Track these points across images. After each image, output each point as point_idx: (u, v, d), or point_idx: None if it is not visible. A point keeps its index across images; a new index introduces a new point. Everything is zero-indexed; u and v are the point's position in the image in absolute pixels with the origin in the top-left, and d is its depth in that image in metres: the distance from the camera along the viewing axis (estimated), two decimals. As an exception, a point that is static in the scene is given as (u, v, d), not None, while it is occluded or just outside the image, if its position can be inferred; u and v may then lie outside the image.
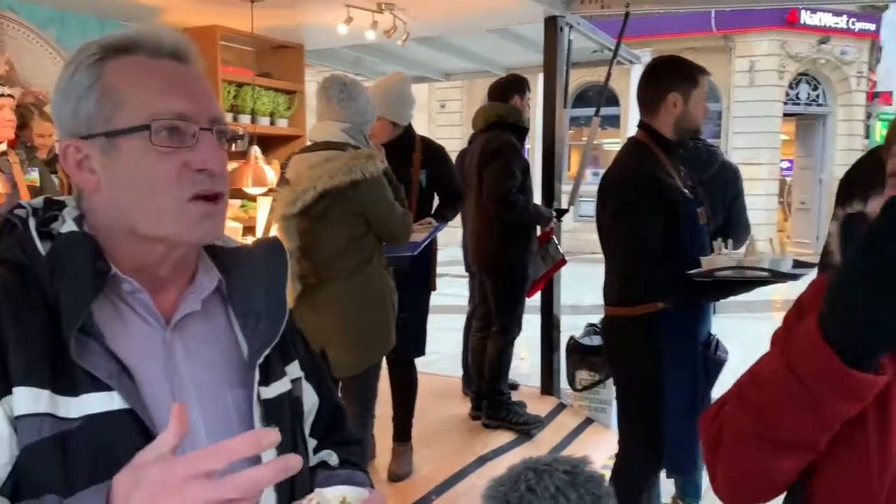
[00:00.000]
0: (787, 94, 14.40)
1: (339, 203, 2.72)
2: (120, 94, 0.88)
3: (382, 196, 2.78)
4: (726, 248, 2.41)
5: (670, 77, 2.47)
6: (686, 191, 2.45)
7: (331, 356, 2.77)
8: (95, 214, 0.92)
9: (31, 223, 0.90)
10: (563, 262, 4.28)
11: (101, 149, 0.89)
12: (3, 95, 3.30)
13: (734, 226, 3.33)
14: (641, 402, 2.51)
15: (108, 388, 0.83)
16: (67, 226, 0.90)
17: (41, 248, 0.88)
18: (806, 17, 13.83)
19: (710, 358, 2.53)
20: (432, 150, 3.62)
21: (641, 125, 2.53)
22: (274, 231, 2.87)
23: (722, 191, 3.43)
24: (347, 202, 2.72)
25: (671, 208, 2.37)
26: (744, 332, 5.94)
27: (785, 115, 14.47)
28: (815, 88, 14.66)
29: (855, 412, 0.84)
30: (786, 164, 16.01)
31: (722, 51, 14.40)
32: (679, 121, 2.46)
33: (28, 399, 0.80)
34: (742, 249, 2.56)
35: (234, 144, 0.97)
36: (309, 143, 2.94)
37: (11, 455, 0.80)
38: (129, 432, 0.83)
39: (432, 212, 3.64)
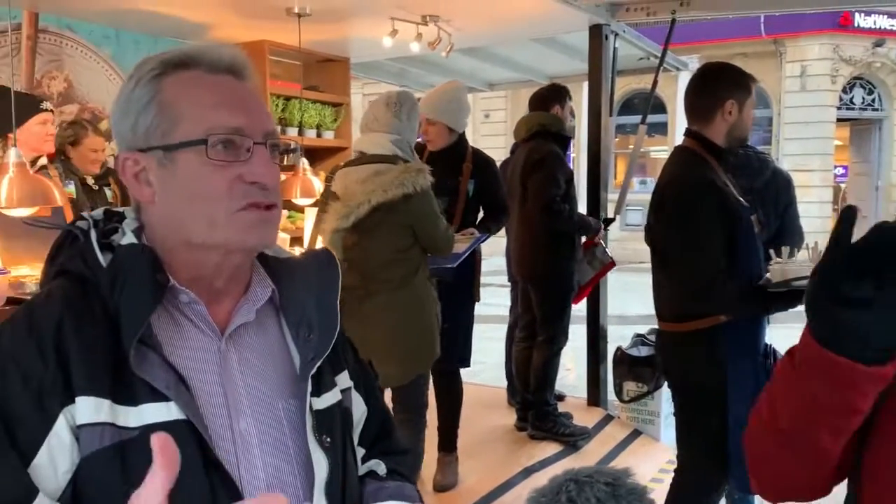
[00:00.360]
0: (841, 99, 14.04)
1: (390, 216, 2.75)
2: (178, 109, 0.90)
3: (431, 209, 2.81)
4: (787, 257, 2.35)
5: (727, 84, 2.41)
6: (741, 199, 2.41)
7: (377, 367, 2.78)
8: (153, 226, 0.94)
9: (93, 235, 0.92)
10: (612, 264, 4.24)
11: (158, 161, 0.91)
12: (44, 110, 3.39)
13: (787, 234, 3.26)
14: (706, 417, 2.43)
15: (165, 398, 0.85)
16: (127, 238, 0.93)
17: (102, 259, 0.90)
18: (860, 20, 13.47)
19: (770, 368, 2.47)
20: (482, 162, 3.62)
21: (691, 133, 2.47)
22: (319, 243, 2.91)
23: (774, 199, 3.36)
24: (398, 215, 2.75)
25: (731, 218, 2.32)
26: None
27: (838, 120, 14.11)
28: (871, 92, 14.26)
29: (863, 404, 0.81)
30: (840, 171, 15.58)
31: (772, 56, 14.12)
32: (732, 129, 2.41)
33: (90, 408, 0.82)
34: (799, 256, 2.50)
35: (286, 157, 0.98)
36: (355, 155, 2.96)
37: (73, 463, 0.82)
38: (186, 442, 0.84)
39: (476, 222, 3.64)
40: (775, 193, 3.39)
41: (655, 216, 2.45)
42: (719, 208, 2.30)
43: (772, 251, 2.38)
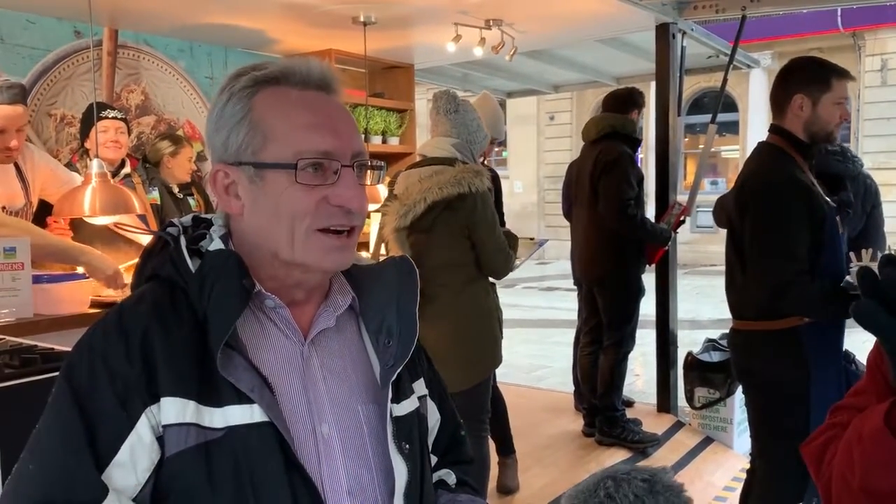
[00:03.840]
0: (926, 93, 13.38)
1: (445, 214, 2.75)
2: (268, 128, 0.92)
3: (488, 214, 2.79)
4: (869, 259, 2.27)
5: (798, 78, 2.36)
6: (828, 199, 2.33)
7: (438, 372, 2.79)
8: (241, 236, 0.97)
9: (182, 241, 0.96)
10: (686, 210, 4.22)
11: (248, 177, 0.93)
12: (109, 118, 3.50)
13: (872, 237, 3.17)
14: (786, 419, 2.35)
15: (249, 400, 0.87)
16: (215, 244, 0.96)
17: (191, 265, 0.93)
18: (946, 9, 12.82)
19: (851, 371, 2.38)
20: (494, 173, 3.60)
21: (774, 128, 2.42)
22: (384, 246, 2.93)
23: (861, 199, 3.29)
24: (454, 214, 2.75)
25: (817, 218, 2.25)
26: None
27: (923, 115, 13.45)
28: (958, 85, 13.54)
29: None
30: (925, 168, 14.83)
31: (850, 50, 13.57)
32: (808, 125, 2.34)
33: (176, 409, 0.85)
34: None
35: (372, 175, 0.99)
36: (419, 159, 2.99)
37: (151, 461, 0.85)
38: (268, 444, 0.86)
39: None
40: (863, 193, 3.32)
41: (739, 212, 2.38)
42: (807, 207, 2.24)
43: (852, 254, 2.30)
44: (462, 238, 2.79)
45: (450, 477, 1.11)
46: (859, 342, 2.38)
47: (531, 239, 3.41)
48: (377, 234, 3.17)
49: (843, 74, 2.38)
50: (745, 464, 2.65)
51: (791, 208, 2.25)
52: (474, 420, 2.94)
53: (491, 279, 2.94)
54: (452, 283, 2.81)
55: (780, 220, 2.25)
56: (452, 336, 2.80)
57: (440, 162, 2.83)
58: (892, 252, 2.34)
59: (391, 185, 3.03)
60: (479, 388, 2.92)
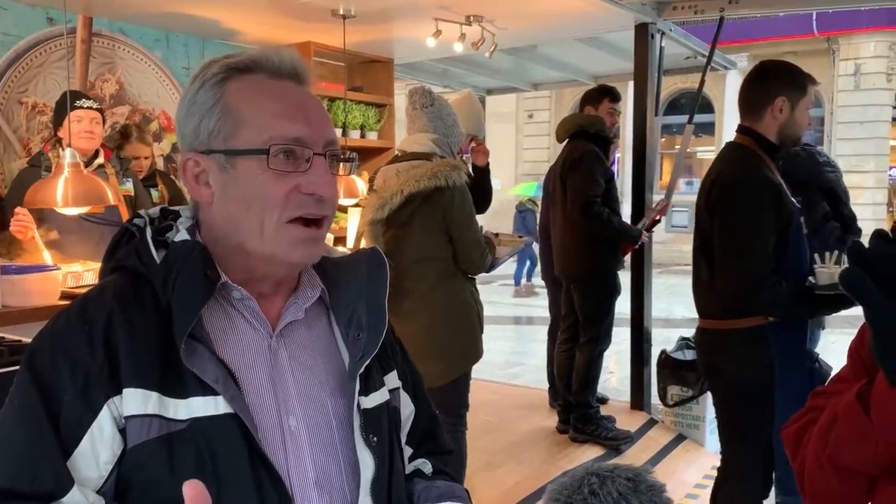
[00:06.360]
0: (897, 98, 13.63)
1: (423, 207, 2.75)
2: (240, 115, 0.92)
3: (464, 206, 2.79)
4: (833, 262, 2.30)
5: (780, 81, 2.37)
6: (794, 200, 2.35)
7: (416, 365, 2.79)
8: (210, 227, 0.96)
9: (148, 232, 0.95)
10: (667, 205, 4.24)
11: (219, 165, 0.92)
12: (84, 108, 3.43)
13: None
14: (755, 418, 2.38)
15: (214, 392, 0.86)
16: (181, 235, 0.95)
17: (156, 256, 0.92)
18: (918, 16, 13.05)
19: (815, 370, 2.42)
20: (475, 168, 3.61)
21: (744, 130, 2.43)
22: (364, 239, 2.92)
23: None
24: (431, 208, 2.74)
25: (786, 217, 2.28)
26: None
27: (894, 119, 13.69)
28: (929, 91, 13.81)
29: None
30: (895, 172, 15.11)
31: (824, 54, 13.78)
32: (784, 127, 2.36)
33: (137, 400, 0.84)
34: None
35: (344, 166, 0.98)
36: (398, 154, 2.99)
37: (113, 454, 0.84)
38: (233, 436, 0.86)
39: None
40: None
41: (708, 212, 2.39)
42: (776, 208, 2.27)
43: (816, 255, 2.33)
44: (439, 232, 2.79)
45: (426, 466, 1.11)
46: (829, 342, 2.42)
47: (519, 237, 3.41)
48: (357, 230, 3.15)
49: (813, 80, 2.42)
50: (717, 461, 2.67)
51: (762, 208, 2.27)
52: (453, 415, 2.94)
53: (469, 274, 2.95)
54: (430, 277, 2.81)
55: (751, 220, 2.27)
56: (431, 330, 2.80)
57: (419, 157, 2.83)
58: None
59: (371, 181, 3.02)
60: (458, 382, 2.92)
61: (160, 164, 4.51)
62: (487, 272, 3.10)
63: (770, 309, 2.30)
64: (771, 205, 2.27)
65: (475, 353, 2.92)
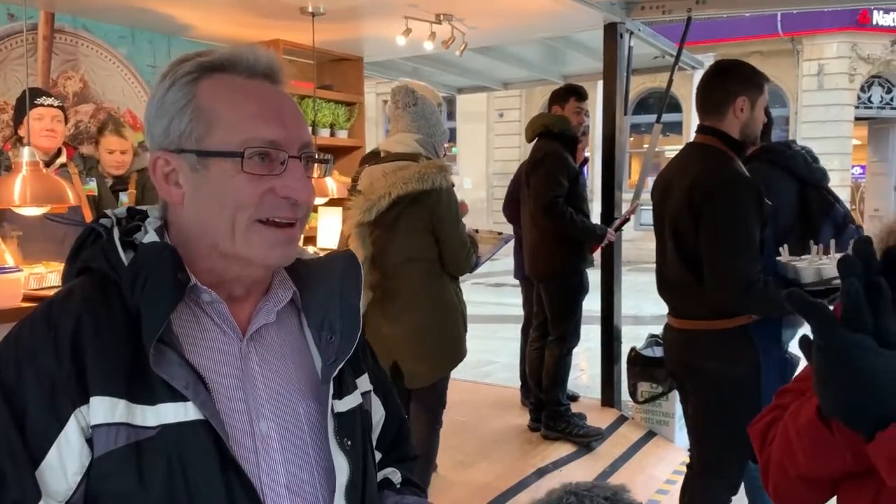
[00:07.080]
0: (859, 98, 13.90)
1: (410, 210, 2.74)
2: (214, 116, 0.89)
3: (451, 208, 2.79)
4: (787, 254, 2.34)
5: (740, 80, 2.37)
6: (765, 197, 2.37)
7: (403, 367, 2.80)
8: (179, 228, 0.94)
9: (115, 233, 0.92)
10: (636, 207, 4.28)
11: (190, 165, 0.90)
12: (44, 105, 3.36)
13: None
14: (741, 415, 2.37)
15: (184, 398, 0.84)
16: (149, 236, 0.92)
17: (124, 257, 0.89)
18: (878, 18, 13.32)
19: (787, 360, 2.46)
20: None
21: (708, 129, 2.40)
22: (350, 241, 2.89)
23: None
24: (418, 210, 2.74)
25: (764, 216, 2.29)
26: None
27: (856, 119, 13.96)
28: (889, 91, 14.10)
29: None
30: (858, 171, 15.44)
31: (789, 54, 14.00)
32: (744, 126, 2.37)
33: (105, 408, 0.81)
34: (805, 256, 2.47)
35: (319, 168, 0.97)
36: (382, 155, 2.95)
37: (82, 465, 0.81)
38: (203, 443, 0.84)
39: None
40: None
41: (690, 214, 2.32)
42: (760, 206, 2.27)
43: (781, 248, 2.37)
44: (426, 233, 2.79)
45: (395, 476, 1.10)
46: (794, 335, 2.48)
47: (499, 234, 3.39)
48: (341, 231, 3.12)
49: (767, 78, 2.44)
50: (686, 457, 2.70)
51: (749, 208, 2.25)
52: (433, 413, 2.95)
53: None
54: (415, 279, 2.80)
55: (739, 220, 2.25)
56: (418, 331, 2.80)
57: (404, 158, 2.81)
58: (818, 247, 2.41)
59: (354, 180, 3.00)
60: (441, 381, 2.93)
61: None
62: (471, 272, 3.10)
63: (765, 307, 2.28)
64: (756, 203, 2.27)
65: (460, 353, 2.92)
